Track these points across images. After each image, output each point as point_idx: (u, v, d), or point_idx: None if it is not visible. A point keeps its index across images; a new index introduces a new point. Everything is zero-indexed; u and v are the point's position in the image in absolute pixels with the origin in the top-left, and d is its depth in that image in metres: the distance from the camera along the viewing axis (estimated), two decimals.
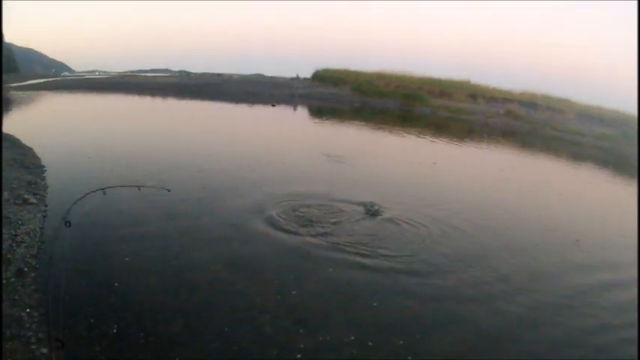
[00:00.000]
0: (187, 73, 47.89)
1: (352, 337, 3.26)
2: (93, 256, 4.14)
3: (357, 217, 5.78)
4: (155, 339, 3.02)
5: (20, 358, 2.65)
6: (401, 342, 3.28)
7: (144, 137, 11.31)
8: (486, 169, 11.74)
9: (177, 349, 2.96)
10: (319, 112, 23.85)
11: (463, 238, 5.61)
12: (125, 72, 53.34)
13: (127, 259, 4.12)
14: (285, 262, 4.46)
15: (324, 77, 34.71)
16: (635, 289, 4.52)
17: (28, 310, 3.11)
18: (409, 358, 3.12)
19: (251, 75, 41.63)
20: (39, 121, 13.09)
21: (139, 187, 5.58)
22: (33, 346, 2.76)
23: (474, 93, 32.35)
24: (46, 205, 5.21)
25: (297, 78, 34.76)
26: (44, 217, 4.86)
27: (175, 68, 57.71)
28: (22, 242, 4.10)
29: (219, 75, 41.02)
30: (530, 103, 30.59)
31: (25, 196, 5.32)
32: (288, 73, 41.02)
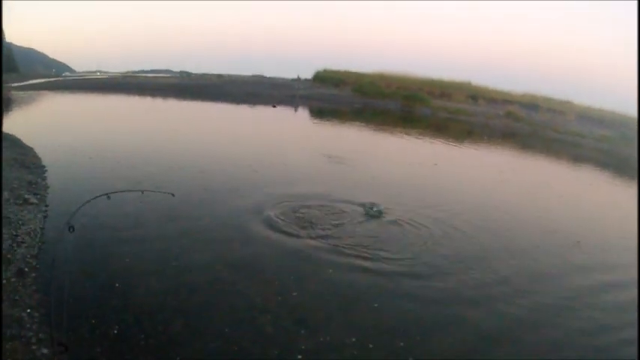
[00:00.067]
0: (188, 74, 47.92)
1: (353, 339, 3.26)
2: (94, 258, 4.13)
3: (357, 218, 5.79)
4: (155, 339, 3.02)
5: (21, 359, 2.65)
6: (402, 344, 3.28)
7: (145, 138, 11.32)
8: (487, 171, 11.74)
9: (178, 350, 2.96)
10: (320, 113, 23.87)
11: (464, 239, 5.61)
12: (126, 72, 53.39)
13: (127, 260, 4.13)
14: (286, 263, 4.46)
15: (325, 78, 34.75)
16: (635, 290, 4.53)
17: (28, 310, 3.11)
18: (410, 359, 3.13)
19: (252, 76, 41.62)
20: (40, 121, 13.09)
21: (142, 191, 5.57)
22: (33, 347, 2.76)
23: (474, 94, 32.43)
24: (46, 206, 5.21)
25: (298, 79, 34.81)
26: (45, 217, 4.86)
27: (176, 69, 57.85)
28: (22, 242, 4.10)
29: (219, 76, 41.04)
30: (531, 104, 30.65)
31: (26, 196, 5.32)
32: (288, 74, 41.15)
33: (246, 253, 4.60)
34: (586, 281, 4.85)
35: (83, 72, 61.80)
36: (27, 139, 8.59)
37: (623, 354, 3.53)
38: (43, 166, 6.94)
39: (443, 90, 32.06)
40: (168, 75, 49.50)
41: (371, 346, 3.22)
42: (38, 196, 5.43)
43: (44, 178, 6.30)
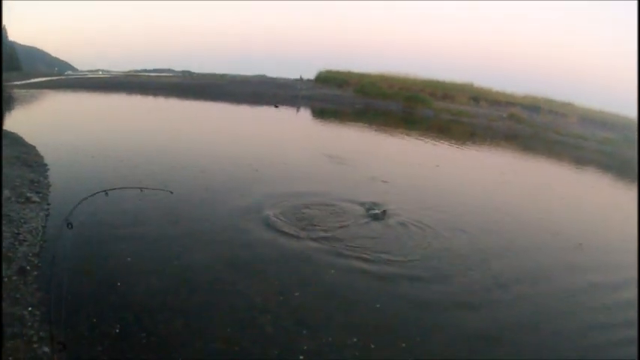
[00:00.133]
0: (190, 74, 48.05)
1: (354, 339, 3.26)
2: (95, 256, 4.13)
3: (358, 219, 5.78)
4: (156, 339, 3.01)
5: (22, 357, 2.65)
6: (403, 344, 3.28)
7: (147, 137, 11.32)
8: (488, 173, 11.72)
9: (179, 349, 2.96)
10: (322, 113, 23.88)
11: (465, 240, 5.59)
12: (128, 71, 53.56)
13: (128, 259, 4.12)
14: (287, 263, 4.45)
15: (327, 79, 34.79)
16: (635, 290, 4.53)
17: (29, 308, 3.11)
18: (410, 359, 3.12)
19: (254, 76, 41.70)
20: (42, 120, 13.11)
21: (141, 189, 5.58)
22: (35, 345, 2.75)
23: (476, 96, 32.41)
24: (48, 204, 5.21)
25: (301, 79, 34.82)
26: (47, 215, 4.86)
27: (178, 68, 58.01)
28: (24, 240, 4.10)
29: (222, 76, 41.10)
30: (533, 106, 30.63)
31: (28, 194, 5.33)
32: (290, 74, 41.22)
33: (247, 253, 4.59)
34: (587, 283, 4.84)
35: (85, 71, 62.09)
36: (29, 138, 8.60)
37: (623, 354, 3.52)
38: (45, 165, 6.94)
39: (445, 91, 32.06)
40: (171, 74, 49.58)
41: (372, 346, 3.22)
42: (40, 195, 5.44)
43: (46, 177, 6.31)
